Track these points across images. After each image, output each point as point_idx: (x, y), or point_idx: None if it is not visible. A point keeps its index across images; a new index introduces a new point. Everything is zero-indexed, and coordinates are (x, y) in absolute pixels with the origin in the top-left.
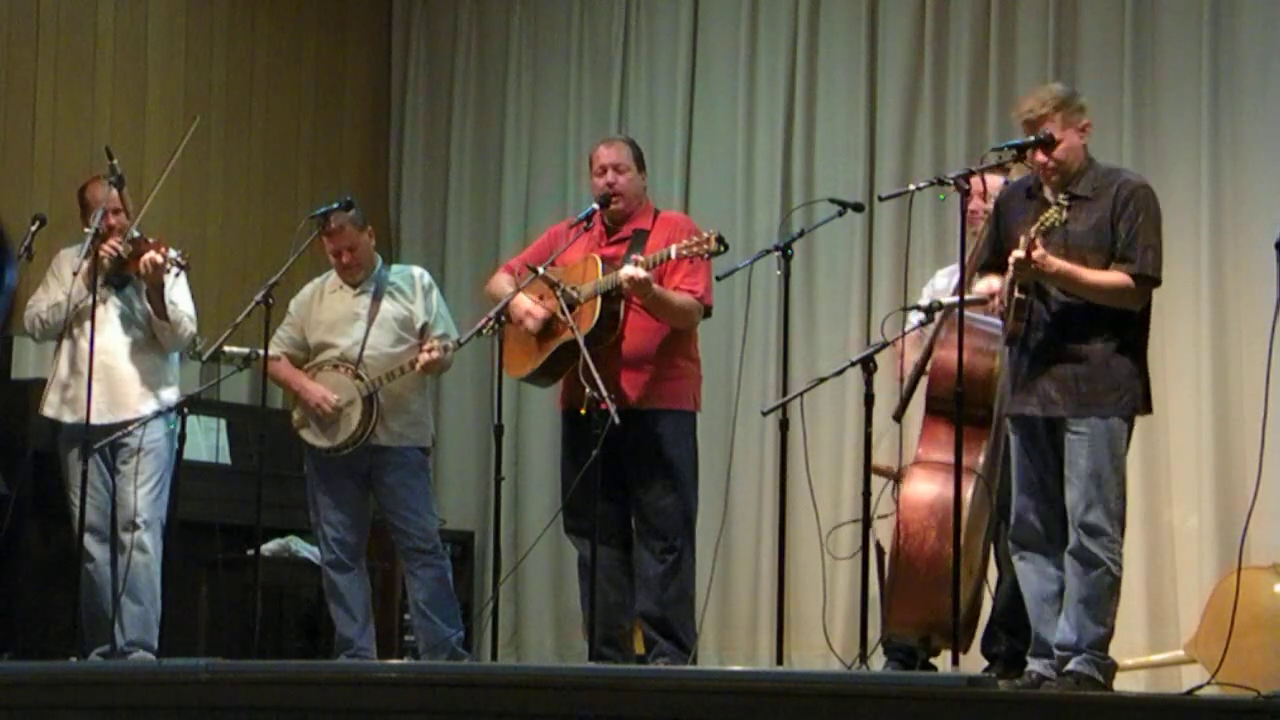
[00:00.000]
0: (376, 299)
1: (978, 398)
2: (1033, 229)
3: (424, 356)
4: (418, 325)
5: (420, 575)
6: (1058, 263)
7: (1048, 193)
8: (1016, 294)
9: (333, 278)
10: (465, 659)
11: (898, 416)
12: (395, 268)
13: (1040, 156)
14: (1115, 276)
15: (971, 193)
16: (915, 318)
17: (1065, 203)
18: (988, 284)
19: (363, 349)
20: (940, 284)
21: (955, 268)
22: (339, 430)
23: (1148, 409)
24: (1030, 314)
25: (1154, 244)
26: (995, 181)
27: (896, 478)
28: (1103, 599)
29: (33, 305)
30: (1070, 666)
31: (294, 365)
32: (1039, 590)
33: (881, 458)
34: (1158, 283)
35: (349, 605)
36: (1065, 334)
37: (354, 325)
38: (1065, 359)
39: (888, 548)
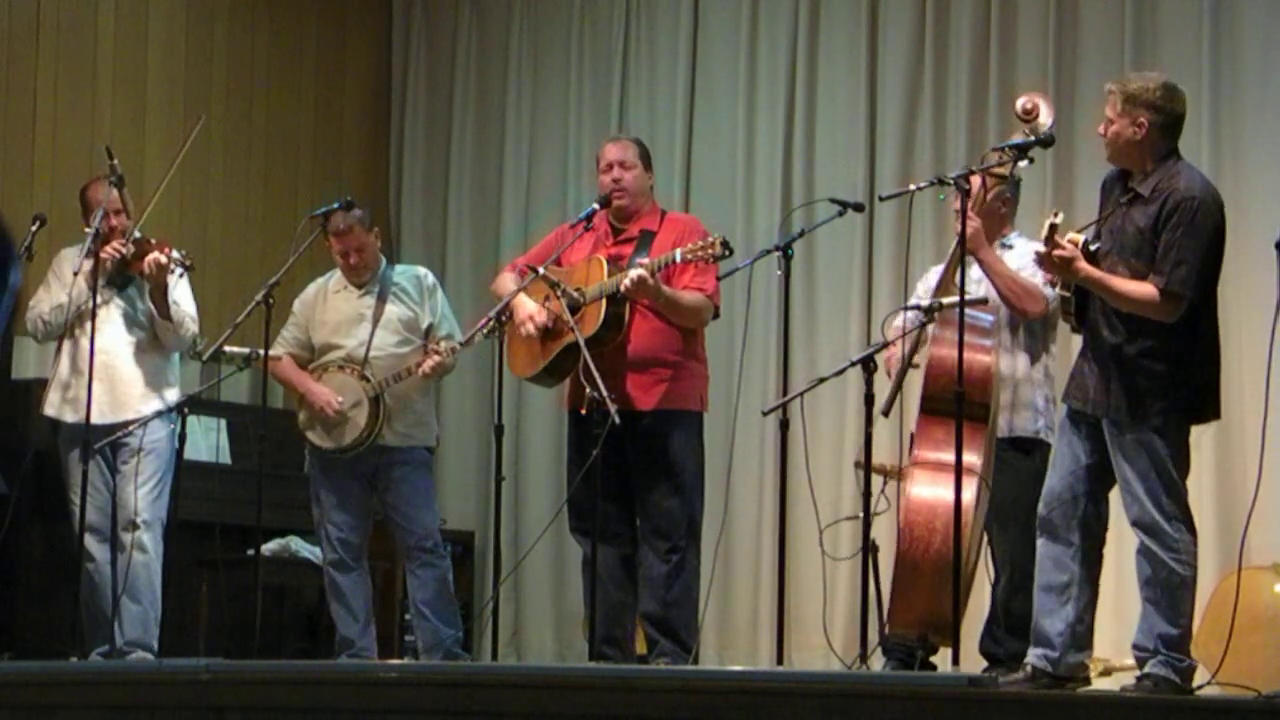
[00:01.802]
0: (381, 299)
1: (974, 395)
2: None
3: (428, 361)
4: (423, 326)
5: (420, 575)
6: (1087, 269)
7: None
8: (1059, 290)
9: (336, 277)
10: (463, 659)
11: (886, 411)
12: (400, 268)
13: (1101, 127)
14: (1144, 289)
15: (972, 192)
16: (912, 316)
17: (1056, 218)
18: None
19: (368, 350)
20: (933, 280)
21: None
22: (345, 432)
23: (1201, 416)
24: (1077, 310)
25: (1188, 260)
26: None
27: (889, 475)
28: (1172, 598)
29: (34, 306)
30: (1147, 669)
31: (299, 365)
32: (1049, 578)
33: (874, 454)
34: (1184, 299)
35: (350, 605)
36: (1108, 336)
37: (359, 326)
38: (1106, 361)
39: (885, 546)
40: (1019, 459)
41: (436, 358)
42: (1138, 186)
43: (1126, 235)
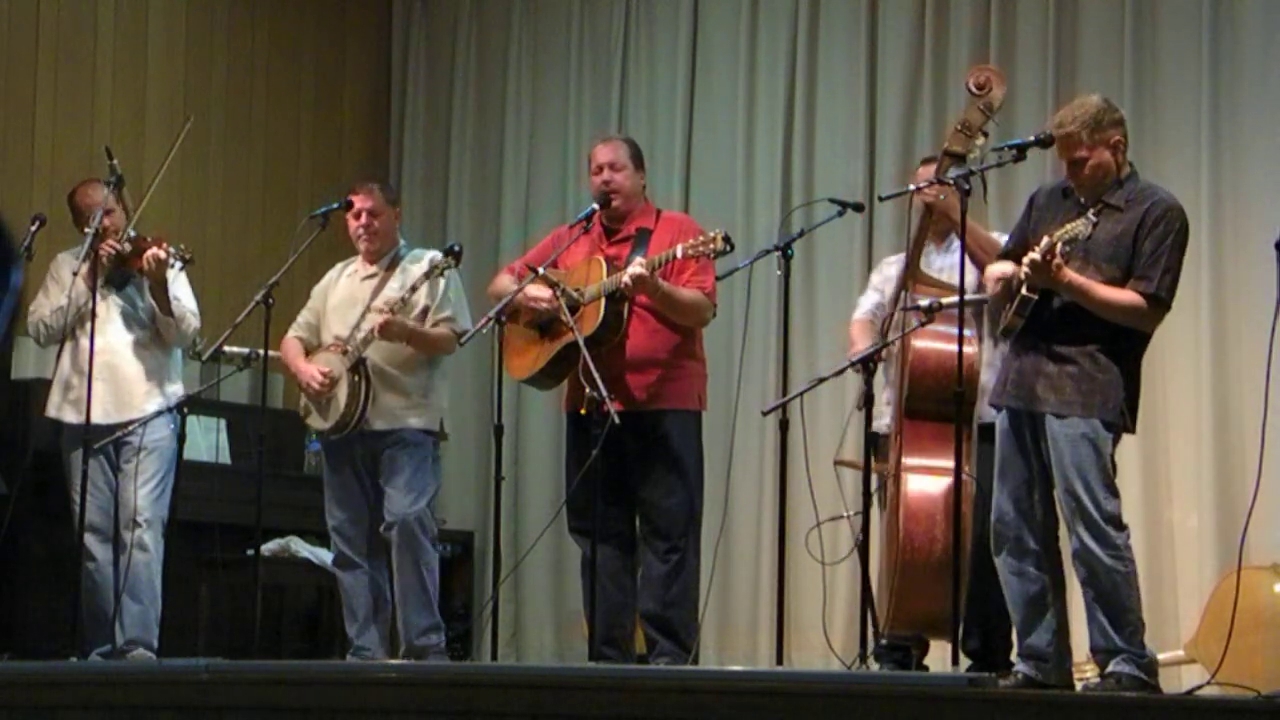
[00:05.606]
0: (384, 281)
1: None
2: (1056, 235)
3: (377, 320)
4: (418, 309)
5: (396, 559)
6: (1071, 275)
7: (1082, 199)
8: (1024, 292)
9: (355, 263)
10: (431, 655)
11: (862, 405)
12: (416, 251)
13: (1069, 172)
14: (1128, 295)
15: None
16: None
17: (1094, 219)
18: (1001, 269)
19: (355, 329)
20: (891, 271)
21: (903, 256)
22: (330, 410)
23: (1130, 427)
24: (1029, 311)
25: (1173, 269)
26: (924, 171)
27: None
28: (1117, 595)
29: (34, 311)
30: (1110, 668)
31: (306, 348)
32: (1022, 592)
33: (848, 451)
34: (1168, 307)
35: (350, 605)
36: (1059, 334)
37: (354, 309)
38: (1055, 358)
39: (872, 545)
40: (983, 449)
41: (383, 316)
42: (1109, 198)
43: (1097, 243)
